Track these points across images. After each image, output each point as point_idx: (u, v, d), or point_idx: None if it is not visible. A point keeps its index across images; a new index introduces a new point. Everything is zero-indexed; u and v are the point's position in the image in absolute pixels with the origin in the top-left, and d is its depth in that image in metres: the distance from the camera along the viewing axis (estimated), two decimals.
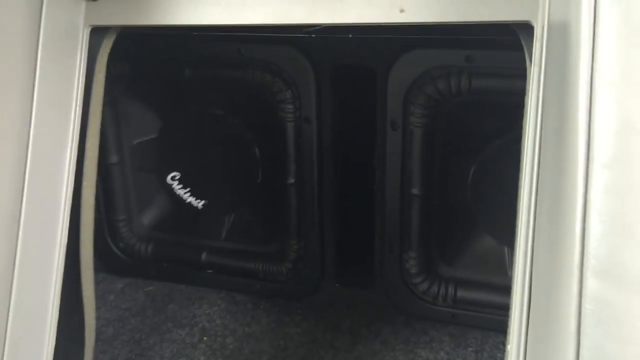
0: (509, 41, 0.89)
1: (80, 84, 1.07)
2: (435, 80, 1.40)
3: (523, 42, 0.84)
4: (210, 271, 1.79)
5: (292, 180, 1.61)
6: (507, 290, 0.80)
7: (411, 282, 1.59)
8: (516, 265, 0.76)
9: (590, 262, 0.57)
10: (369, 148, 1.53)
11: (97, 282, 1.79)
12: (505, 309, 0.80)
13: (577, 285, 0.57)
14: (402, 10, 0.88)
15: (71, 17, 1.05)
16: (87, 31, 1.07)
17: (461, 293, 1.57)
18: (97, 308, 1.59)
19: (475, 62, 1.35)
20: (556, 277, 0.62)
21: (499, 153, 1.48)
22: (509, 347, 0.76)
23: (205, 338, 1.59)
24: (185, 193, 1.78)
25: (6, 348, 0.99)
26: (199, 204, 1.78)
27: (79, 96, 1.07)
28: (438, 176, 1.53)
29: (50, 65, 1.01)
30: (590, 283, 0.57)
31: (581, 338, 0.57)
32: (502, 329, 0.80)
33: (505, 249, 1.54)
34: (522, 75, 0.84)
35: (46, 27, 0.99)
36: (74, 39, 1.06)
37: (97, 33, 1.09)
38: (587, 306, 0.57)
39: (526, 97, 0.81)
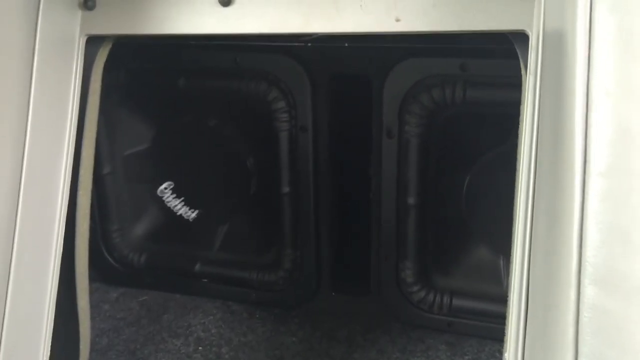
0: (504, 50, 0.89)
1: (76, 93, 1.07)
2: (430, 89, 1.40)
3: (518, 51, 0.85)
4: (205, 280, 1.78)
5: (287, 190, 1.61)
6: (502, 299, 0.80)
7: (407, 291, 1.59)
8: (513, 273, 0.76)
9: (588, 269, 0.57)
10: (365, 157, 1.53)
11: (92, 292, 1.77)
12: (501, 317, 0.80)
13: (574, 293, 0.57)
14: (397, 20, 0.89)
15: (67, 27, 1.05)
16: (83, 40, 1.07)
17: (457, 302, 1.56)
18: (92, 318, 1.58)
19: (470, 70, 1.36)
20: (554, 284, 0.62)
21: (494, 163, 1.48)
22: (506, 354, 0.76)
23: (200, 348, 1.58)
24: (178, 203, 1.78)
25: (1, 358, 0.98)
26: (193, 214, 1.78)
27: (74, 105, 1.06)
28: (434, 185, 1.53)
29: (46, 74, 1.01)
30: (588, 291, 0.57)
31: (579, 346, 0.57)
32: (498, 337, 0.80)
33: (501, 258, 1.54)
34: (517, 84, 0.84)
35: (42, 37, 0.99)
36: (70, 48, 1.06)
37: (93, 42, 1.08)
38: (585, 314, 0.57)
39: (522, 106, 0.81)
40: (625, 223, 0.56)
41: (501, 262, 1.53)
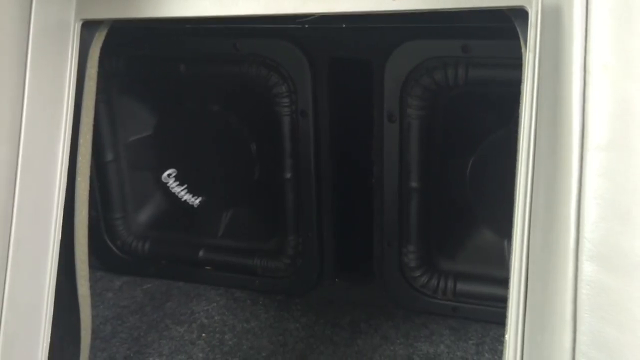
0: (504, 30, 0.87)
1: (72, 80, 1.06)
2: (431, 71, 1.39)
3: (518, 29, 0.83)
4: (209, 268, 1.78)
5: (289, 175, 1.60)
6: (507, 282, 0.79)
7: (411, 276, 1.58)
8: (513, 252, 0.75)
9: (586, 245, 0.56)
10: (367, 141, 1.52)
11: (95, 280, 1.79)
12: (505, 301, 0.79)
13: (572, 270, 0.56)
14: None
15: (62, 11, 1.04)
16: (79, 25, 1.06)
17: (461, 286, 1.55)
18: (95, 306, 1.58)
19: (472, 52, 1.34)
20: (552, 262, 0.61)
21: (497, 144, 1.46)
22: (506, 336, 0.75)
23: (203, 334, 1.58)
24: (181, 190, 1.77)
25: (0, 346, 0.98)
26: (196, 201, 1.77)
27: (70, 92, 1.06)
28: (436, 169, 1.52)
29: (41, 60, 1.00)
30: (586, 267, 0.56)
31: (577, 323, 0.56)
32: (502, 322, 0.80)
33: (505, 241, 1.52)
34: (519, 64, 0.82)
35: (36, 22, 0.98)
36: (65, 34, 1.05)
37: (89, 27, 1.08)
38: (582, 291, 0.56)
39: (522, 84, 0.80)
40: (623, 198, 0.55)
41: (505, 245, 1.52)
